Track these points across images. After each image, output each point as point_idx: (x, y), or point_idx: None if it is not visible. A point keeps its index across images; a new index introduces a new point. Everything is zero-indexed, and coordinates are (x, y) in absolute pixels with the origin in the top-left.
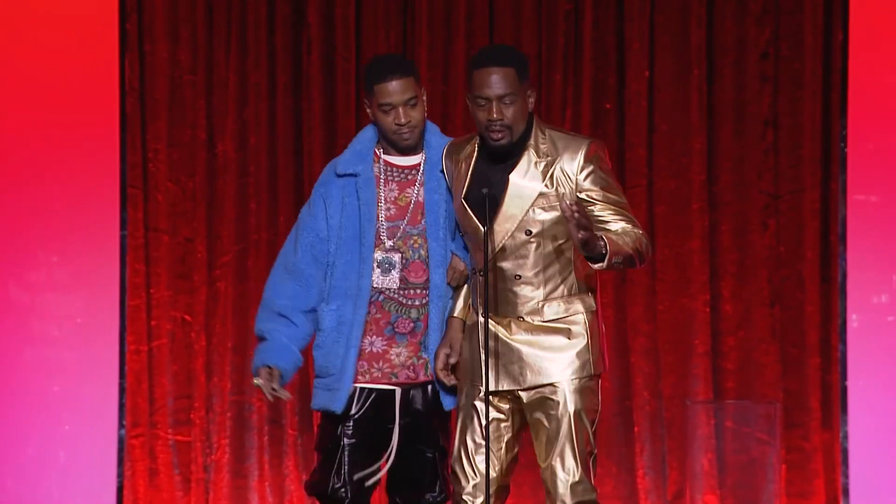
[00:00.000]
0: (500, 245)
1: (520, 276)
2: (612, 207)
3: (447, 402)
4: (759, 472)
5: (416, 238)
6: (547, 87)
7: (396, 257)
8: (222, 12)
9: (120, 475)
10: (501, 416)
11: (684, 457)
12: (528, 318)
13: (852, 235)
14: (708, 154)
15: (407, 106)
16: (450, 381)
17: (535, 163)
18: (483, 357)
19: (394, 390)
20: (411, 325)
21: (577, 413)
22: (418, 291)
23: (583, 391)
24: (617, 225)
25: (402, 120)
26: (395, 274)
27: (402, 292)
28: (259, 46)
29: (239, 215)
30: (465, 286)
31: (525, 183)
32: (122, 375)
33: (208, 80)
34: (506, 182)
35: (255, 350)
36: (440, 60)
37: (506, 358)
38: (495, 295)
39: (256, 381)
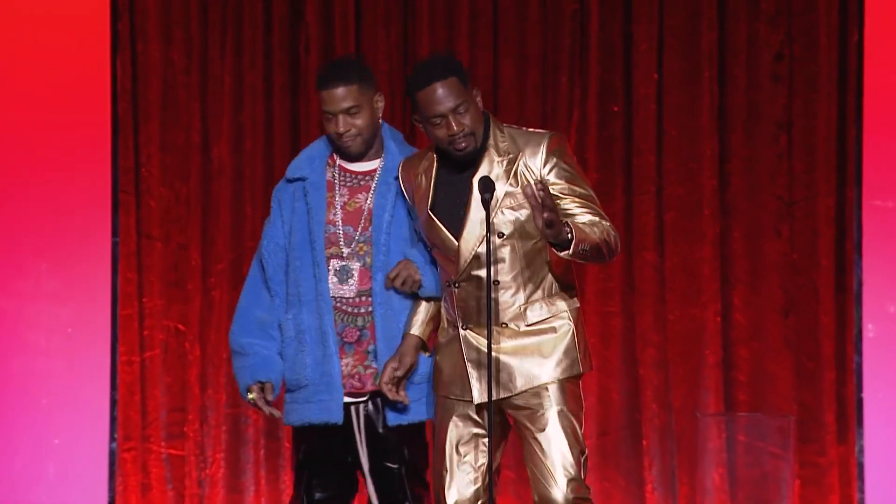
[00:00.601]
0: (473, 253)
1: (498, 282)
2: (579, 200)
3: (391, 417)
4: (772, 487)
5: (362, 245)
6: (552, 88)
7: (356, 266)
8: (217, 11)
9: (111, 490)
10: (481, 432)
11: (695, 471)
12: (511, 325)
13: (868, 243)
14: (719, 159)
15: (347, 115)
16: (392, 395)
17: (497, 162)
18: (471, 368)
19: (348, 405)
20: (357, 333)
21: (567, 413)
22: (363, 299)
23: (571, 391)
24: (584, 217)
25: (340, 129)
26: (353, 283)
27: (348, 301)
28: (255, 46)
29: (234, 221)
30: (425, 303)
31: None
32: (113, 387)
33: (203, 82)
34: (469, 187)
35: (238, 366)
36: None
37: (492, 368)
38: (475, 305)
39: (250, 396)
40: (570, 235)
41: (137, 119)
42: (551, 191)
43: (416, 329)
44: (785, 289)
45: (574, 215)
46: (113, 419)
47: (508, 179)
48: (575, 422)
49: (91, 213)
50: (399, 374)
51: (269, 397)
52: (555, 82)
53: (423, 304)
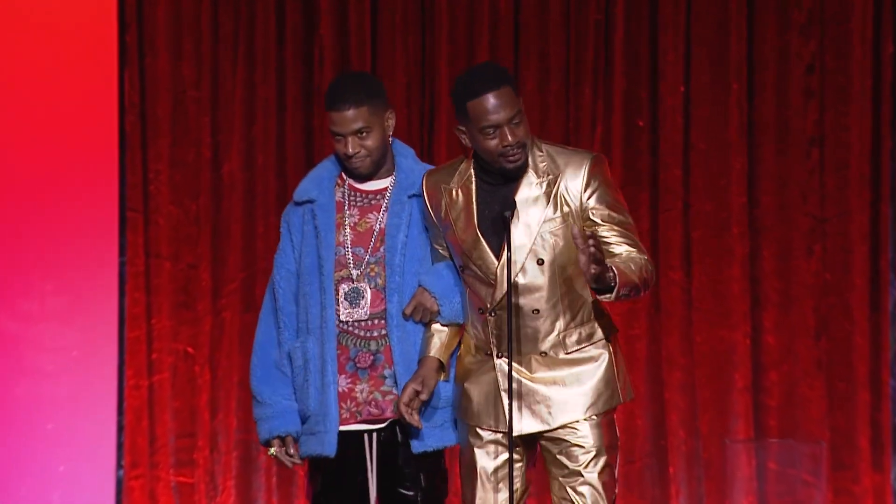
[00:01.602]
0: (513, 281)
1: (538, 311)
2: (618, 229)
3: (415, 445)
4: None
5: (373, 266)
6: (575, 101)
7: (366, 288)
8: (228, 23)
9: None
10: (515, 457)
11: (723, 500)
12: (551, 353)
13: None
14: (748, 174)
15: (356, 136)
16: (412, 420)
17: (537, 183)
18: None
19: (362, 432)
20: (371, 358)
21: (604, 452)
22: (376, 322)
23: (607, 425)
24: (621, 248)
25: (350, 151)
26: (365, 306)
27: (360, 324)
28: (268, 59)
29: (246, 240)
30: (443, 328)
31: (529, 207)
32: (120, 412)
33: (213, 95)
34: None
35: (259, 415)
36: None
37: (529, 398)
38: (514, 333)
39: (271, 451)
40: (613, 283)
41: (146, 134)
42: (590, 215)
43: (436, 352)
44: (817, 309)
45: (610, 244)
46: (120, 445)
47: (548, 203)
48: (610, 461)
49: (97, 231)
50: (424, 397)
51: (291, 451)
52: (578, 95)
53: (440, 326)
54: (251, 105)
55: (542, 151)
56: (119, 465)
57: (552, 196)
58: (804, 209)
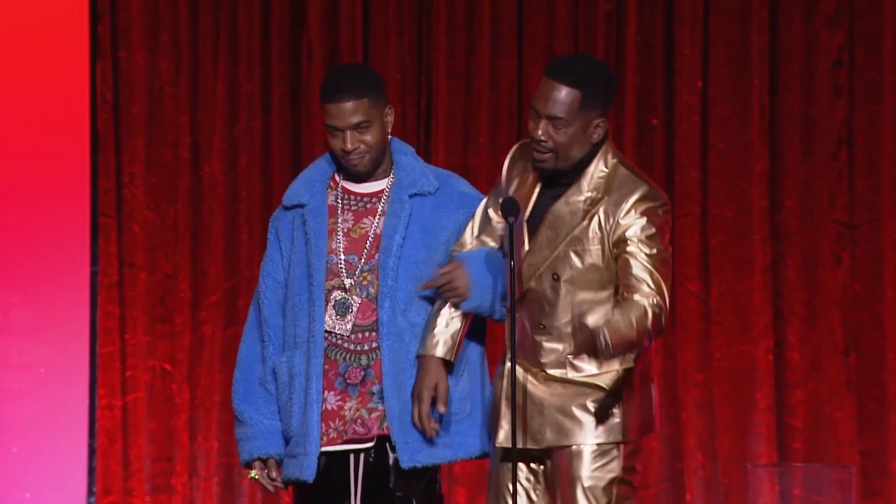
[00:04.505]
0: (526, 286)
1: (543, 326)
2: (642, 257)
3: (404, 459)
4: None
5: (366, 275)
6: None
7: (356, 299)
8: (209, 14)
9: None
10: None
11: None
12: (552, 372)
13: None
14: (771, 177)
15: (355, 131)
16: (430, 431)
17: (583, 199)
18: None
19: (348, 452)
20: (362, 373)
21: (595, 491)
22: (367, 334)
23: (602, 459)
24: (632, 282)
25: (348, 147)
26: (350, 318)
27: (349, 337)
28: (252, 53)
29: (228, 248)
30: (458, 318)
31: (563, 217)
32: (91, 434)
33: (193, 92)
34: (546, 211)
35: (240, 436)
36: (461, 69)
37: (530, 410)
38: (522, 340)
39: (252, 474)
40: (603, 345)
41: (120, 134)
42: (621, 235)
43: (443, 350)
44: (845, 323)
45: (628, 268)
46: (91, 470)
47: (583, 220)
48: (602, 497)
49: (67, 238)
50: (442, 410)
51: (273, 474)
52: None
53: (455, 317)
54: (233, 103)
55: (606, 167)
56: (90, 492)
57: (589, 215)
58: (832, 215)
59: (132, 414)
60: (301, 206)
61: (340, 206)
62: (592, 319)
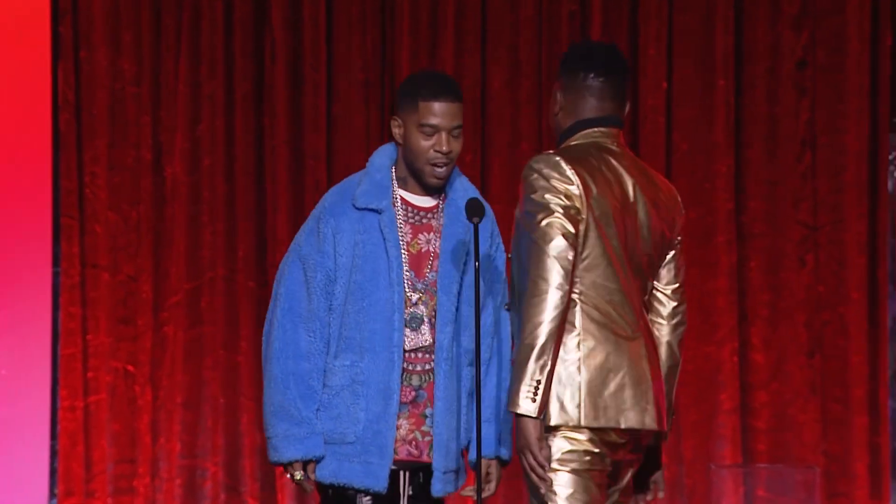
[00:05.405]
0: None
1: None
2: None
3: (437, 488)
4: None
5: (421, 294)
6: (548, 99)
7: (423, 311)
8: (171, 13)
9: None
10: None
11: None
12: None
13: None
14: (735, 178)
15: (451, 134)
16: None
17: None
18: None
19: (397, 470)
20: (413, 393)
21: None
22: (420, 355)
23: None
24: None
25: (444, 148)
26: (426, 330)
27: (409, 354)
28: (214, 53)
29: (190, 249)
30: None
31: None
32: (53, 436)
33: (155, 93)
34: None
35: (289, 433)
36: (425, 68)
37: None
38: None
39: (298, 476)
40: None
41: (81, 134)
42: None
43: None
44: (809, 325)
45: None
46: (53, 472)
47: None
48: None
49: (29, 240)
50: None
51: (312, 476)
52: (550, 92)
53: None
54: (196, 103)
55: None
56: (52, 494)
57: None
58: (796, 216)
59: (94, 415)
60: (377, 211)
61: (400, 217)
62: None
